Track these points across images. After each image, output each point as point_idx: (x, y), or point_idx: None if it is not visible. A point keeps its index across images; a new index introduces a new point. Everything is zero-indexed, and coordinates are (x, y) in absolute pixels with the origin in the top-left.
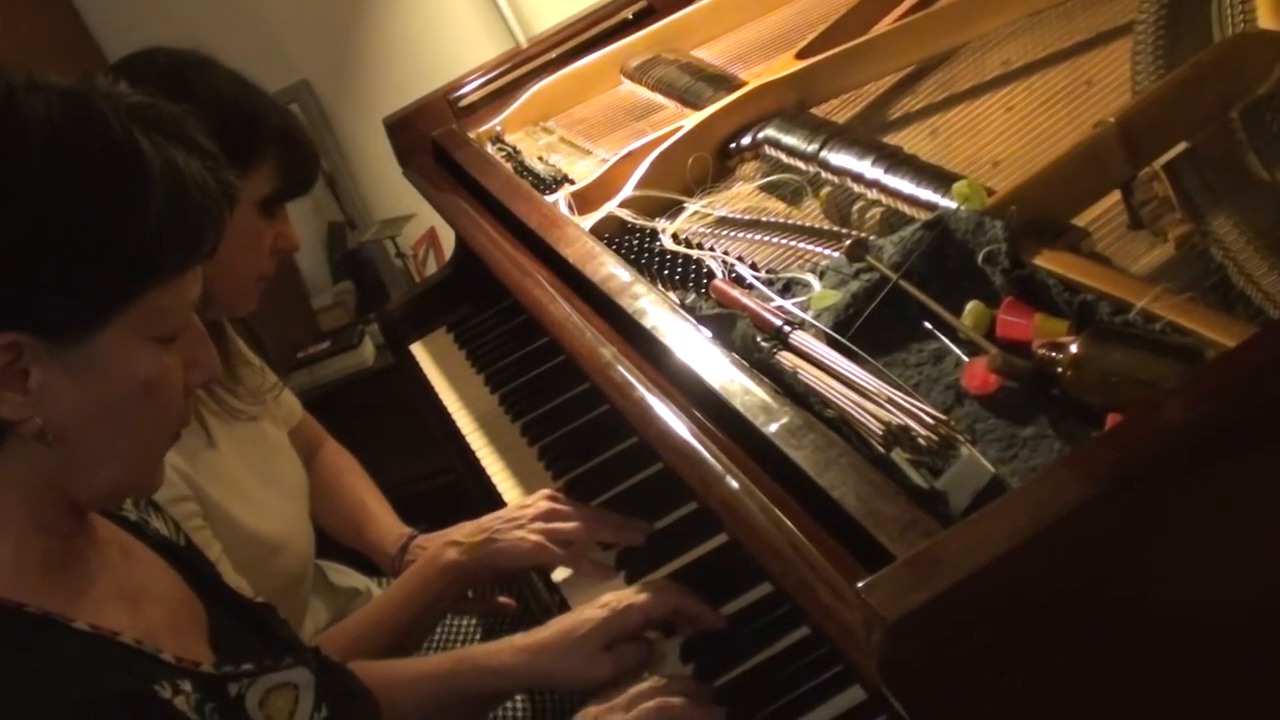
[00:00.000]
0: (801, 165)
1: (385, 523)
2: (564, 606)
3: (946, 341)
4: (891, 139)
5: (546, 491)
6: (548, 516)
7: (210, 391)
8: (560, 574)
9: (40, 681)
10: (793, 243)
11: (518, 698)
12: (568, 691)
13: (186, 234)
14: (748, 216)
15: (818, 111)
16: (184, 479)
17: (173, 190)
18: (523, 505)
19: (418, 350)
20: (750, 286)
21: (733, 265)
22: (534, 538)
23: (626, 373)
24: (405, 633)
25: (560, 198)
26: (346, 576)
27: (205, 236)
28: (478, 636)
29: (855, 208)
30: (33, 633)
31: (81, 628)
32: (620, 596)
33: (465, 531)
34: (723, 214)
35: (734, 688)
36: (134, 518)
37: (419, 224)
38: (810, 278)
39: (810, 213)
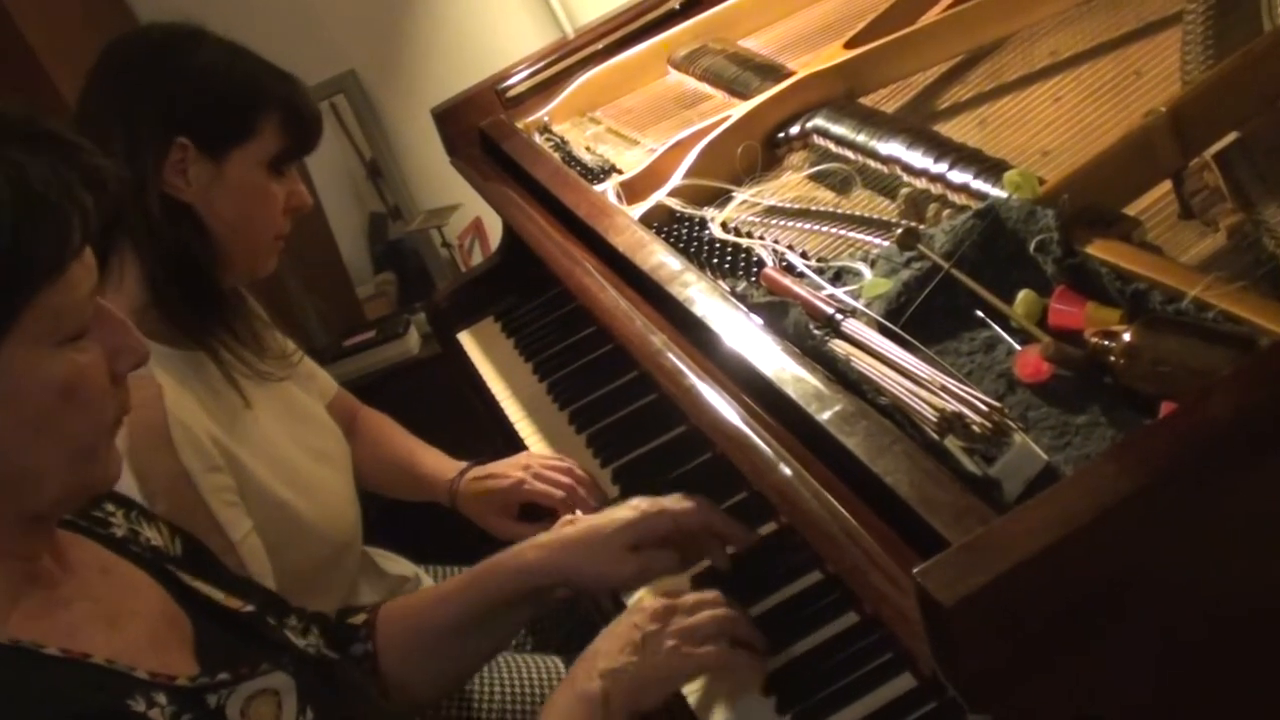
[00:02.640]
0: (850, 155)
1: (435, 459)
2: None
3: (998, 330)
4: (940, 129)
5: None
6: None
7: (240, 357)
8: None
9: (12, 708)
10: (842, 231)
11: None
12: (591, 589)
13: (49, 235)
14: (796, 205)
15: (866, 101)
16: (219, 447)
17: (21, 198)
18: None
19: (465, 339)
20: (801, 275)
21: (783, 254)
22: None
23: (677, 360)
24: None
25: (608, 187)
26: (395, 564)
27: (70, 232)
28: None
29: (930, 208)
30: (2, 662)
31: (51, 653)
32: (654, 501)
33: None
34: (771, 203)
35: (782, 675)
36: (122, 532)
37: (464, 214)
38: (861, 266)
39: (859, 202)
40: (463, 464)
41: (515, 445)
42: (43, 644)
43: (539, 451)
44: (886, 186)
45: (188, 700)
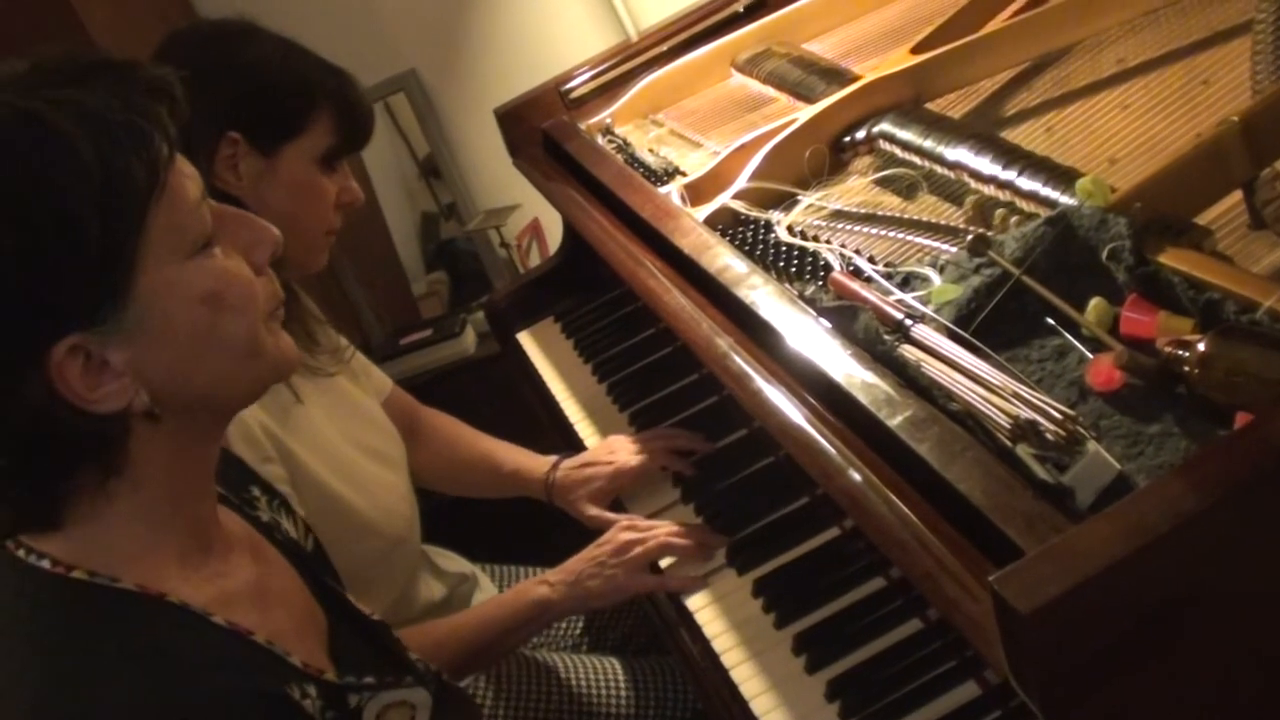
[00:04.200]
0: (917, 160)
1: (520, 455)
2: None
3: (1069, 338)
4: (1007, 135)
5: (623, 522)
6: (624, 549)
7: None
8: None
9: (182, 671)
10: (909, 237)
11: None
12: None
13: (136, 157)
14: (862, 210)
15: (932, 107)
16: (271, 439)
17: (95, 131)
18: (600, 543)
19: (525, 339)
20: (869, 279)
21: (850, 258)
22: (617, 577)
23: (744, 363)
24: (478, 651)
25: (673, 189)
26: (452, 562)
27: (154, 147)
28: (579, 626)
29: (997, 214)
30: (174, 623)
31: (219, 622)
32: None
33: (556, 574)
34: (837, 207)
35: (844, 682)
36: (266, 518)
37: (523, 215)
38: (930, 272)
39: (925, 207)
40: (552, 457)
41: (575, 445)
42: (210, 612)
43: None
44: (953, 193)
45: (333, 696)
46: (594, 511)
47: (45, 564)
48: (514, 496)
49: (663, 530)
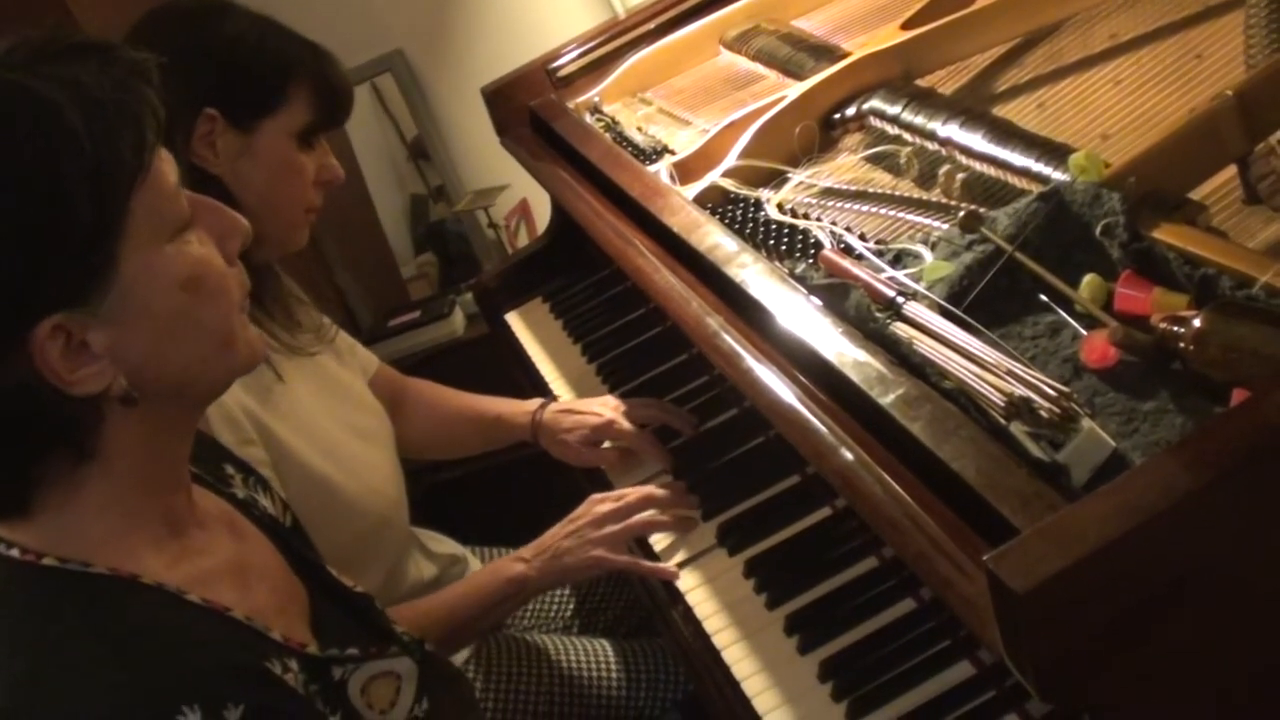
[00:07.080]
0: (907, 137)
1: (505, 402)
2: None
3: (1063, 314)
4: (998, 111)
5: (596, 496)
6: (601, 521)
7: (270, 332)
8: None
9: (160, 650)
10: (899, 214)
11: None
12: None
13: (125, 137)
14: (852, 188)
15: (923, 83)
16: (252, 421)
17: (87, 109)
18: (574, 516)
19: (513, 320)
20: (859, 257)
21: (841, 236)
22: (595, 552)
23: (734, 343)
24: (458, 628)
25: (662, 168)
26: (442, 544)
27: (143, 128)
28: (570, 608)
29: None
30: (149, 603)
31: (194, 600)
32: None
33: (531, 549)
34: (827, 184)
35: (837, 663)
36: (242, 495)
37: (511, 195)
38: (921, 249)
39: (916, 184)
40: (538, 400)
41: None
42: (185, 590)
43: None
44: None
45: (316, 670)
46: (587, 452)
47: (14, 553)
48: (502, 446)
49: (635, 496)
